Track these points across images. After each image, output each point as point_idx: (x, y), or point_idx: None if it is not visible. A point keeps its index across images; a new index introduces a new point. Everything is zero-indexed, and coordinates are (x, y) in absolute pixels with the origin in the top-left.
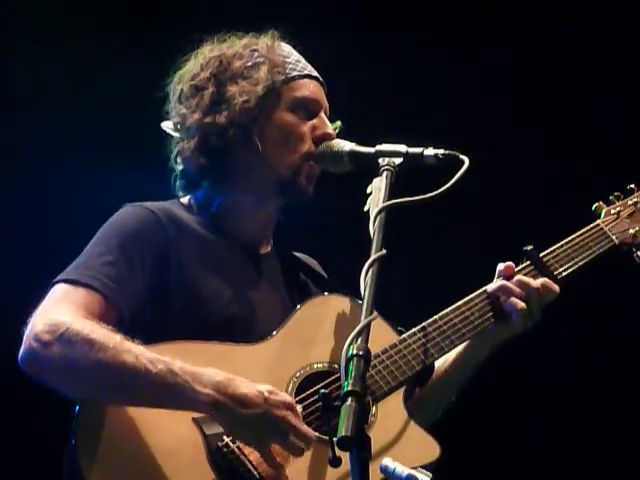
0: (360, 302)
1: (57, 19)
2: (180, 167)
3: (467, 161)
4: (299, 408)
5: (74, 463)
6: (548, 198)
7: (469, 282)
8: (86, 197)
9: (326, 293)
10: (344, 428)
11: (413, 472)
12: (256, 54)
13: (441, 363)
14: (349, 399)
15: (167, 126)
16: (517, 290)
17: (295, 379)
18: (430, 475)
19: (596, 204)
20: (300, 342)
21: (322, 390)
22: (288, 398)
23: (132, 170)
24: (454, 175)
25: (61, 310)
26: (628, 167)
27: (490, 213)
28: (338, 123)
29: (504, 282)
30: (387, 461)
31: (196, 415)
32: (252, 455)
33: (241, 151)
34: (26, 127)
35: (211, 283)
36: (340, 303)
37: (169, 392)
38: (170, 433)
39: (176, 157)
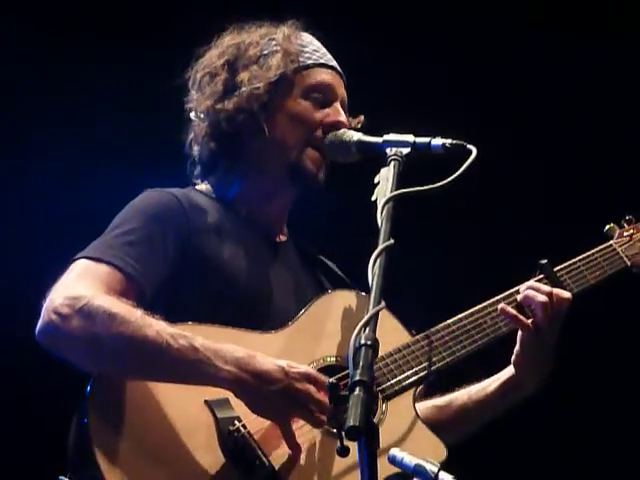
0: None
1: (57, 19)
2: (195, 153)
3: (475, 151)
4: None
5: (86, 443)
6: (559, 209)
7: (478, 283)
8: (86, 196)
9: (339, 289)
10: (352, 418)
11: (421, 462)
12: (273, 43)
13: (479, 389)
14: (357, 389)
15: (193, 115)
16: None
17: None
18: (438, 465)
19: (608, 226)
20: (312, 335)
21: (330, 380)
22: (308, 370)
23: (133, 168)
24: (462, 165)
25: (81, 284)
26: None
27: (503, 222)
28: (361, 118)
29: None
30: (395, 451)
31: (208, 397)
32: (262, 441)
33: (251, 137)
34: (26, 127)
35: (231, 267)
36: (352, 298)
37: (191, 368)
38: (183, 415)
39: (190, 142)
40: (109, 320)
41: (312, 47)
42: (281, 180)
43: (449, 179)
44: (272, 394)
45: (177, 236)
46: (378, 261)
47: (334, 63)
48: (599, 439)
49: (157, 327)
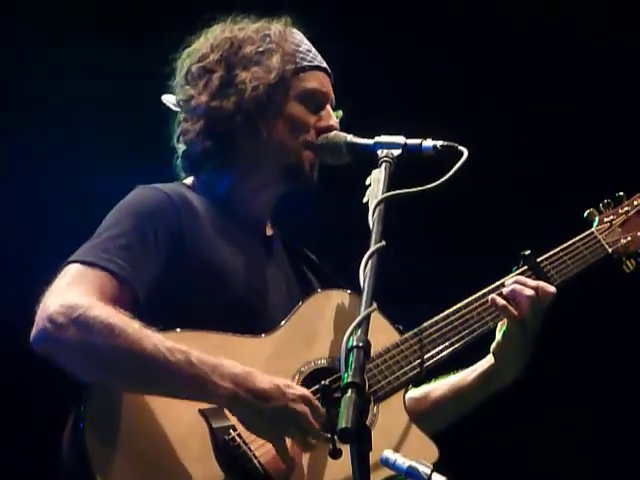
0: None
1: (57, 19)
2: (183, 147)
3: (466, 152)
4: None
5: (81, 452)
6: (540, 197)
7: (463, 280)
8: (86, 195)
9: (329, 289)
10: (344, 420)
11: (414, 463)
12: (268, 40)
13: (457, 380)
14: (349, 391)
15: (169, 100)
16: (529, 284)
17: (299, 375)
18: (431, 466)
19: (588, 211)
20: (304, 338)
21: (322, 382)
22: (305, 391)
23: (131, 168)
24: (453, 166)
25: (76, 292)
26: (620, 171)
27: (484, 211)
28: (340, 113)
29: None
30: (388, 453)
31: (203, 406)
32: (258, 450)
33: (246, 137)
34: (26, 127)
35: (225, 267)
36: (342, 298)
37: (187, 383)
38: (178, 424)
39: (179, 137)
40: (106, 331)
41: (304, 47)
42: (271, 178)
43: (441, 180)
44: (268, 412)
45: (170, 237)
46: (370, 263)
47: (324, 64)
48: (580, 433)
49: (154, 340)
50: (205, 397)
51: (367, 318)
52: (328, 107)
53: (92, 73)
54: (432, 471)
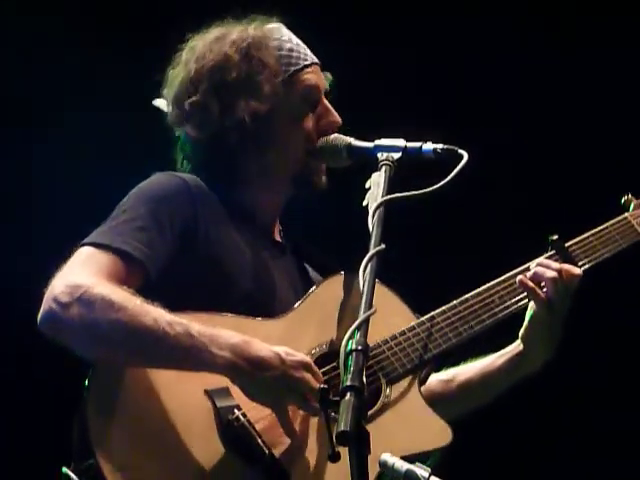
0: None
1: (57, 19)
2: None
3: (466, 155)
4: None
5: (84, 432)
6: (541, 201)
7: (462, 284)
8: (87, 195)
9: (342, 272)
10: (342, 423)
11: (412, 467)
12: (249, 55)
13: (486, 364)
14: (348, 394)
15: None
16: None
17: (310, 356)
18: (429, 470)
19: (625, 197)
20: (316, 320)
21: (321, 385)
22: (305, 358)
23: (131, 168)
24: (453, 169)
25: (84, 273)
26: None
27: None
28: (328, 75)
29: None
30: (386, 456)
31: (208, 387)
32: (262, 430)
33: (250, 158)
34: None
35: (235, 259)
36: (355, 282)
37: (186, 354)
38: (183, 405)
39: (182, 161)
40: (107, 307)
41: (287, 46)
42: (279, 186)
43: (440, 183)
44: (267, 380)
45: (184, 222)
46: (369, 266)
47: (309, 56)
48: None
49: (155, 314)
50: (204, 367)
51: (366, 321)
52: (323, 100)
53: (92, 74)
54: (430, 474)
